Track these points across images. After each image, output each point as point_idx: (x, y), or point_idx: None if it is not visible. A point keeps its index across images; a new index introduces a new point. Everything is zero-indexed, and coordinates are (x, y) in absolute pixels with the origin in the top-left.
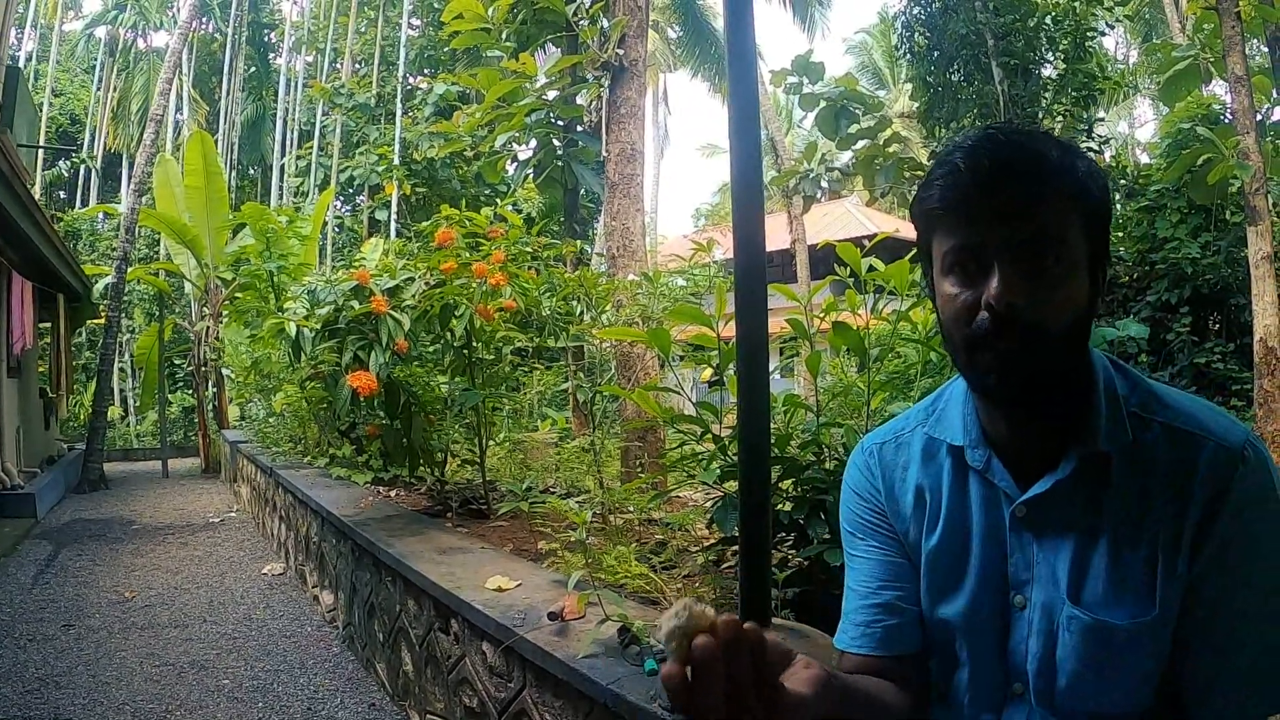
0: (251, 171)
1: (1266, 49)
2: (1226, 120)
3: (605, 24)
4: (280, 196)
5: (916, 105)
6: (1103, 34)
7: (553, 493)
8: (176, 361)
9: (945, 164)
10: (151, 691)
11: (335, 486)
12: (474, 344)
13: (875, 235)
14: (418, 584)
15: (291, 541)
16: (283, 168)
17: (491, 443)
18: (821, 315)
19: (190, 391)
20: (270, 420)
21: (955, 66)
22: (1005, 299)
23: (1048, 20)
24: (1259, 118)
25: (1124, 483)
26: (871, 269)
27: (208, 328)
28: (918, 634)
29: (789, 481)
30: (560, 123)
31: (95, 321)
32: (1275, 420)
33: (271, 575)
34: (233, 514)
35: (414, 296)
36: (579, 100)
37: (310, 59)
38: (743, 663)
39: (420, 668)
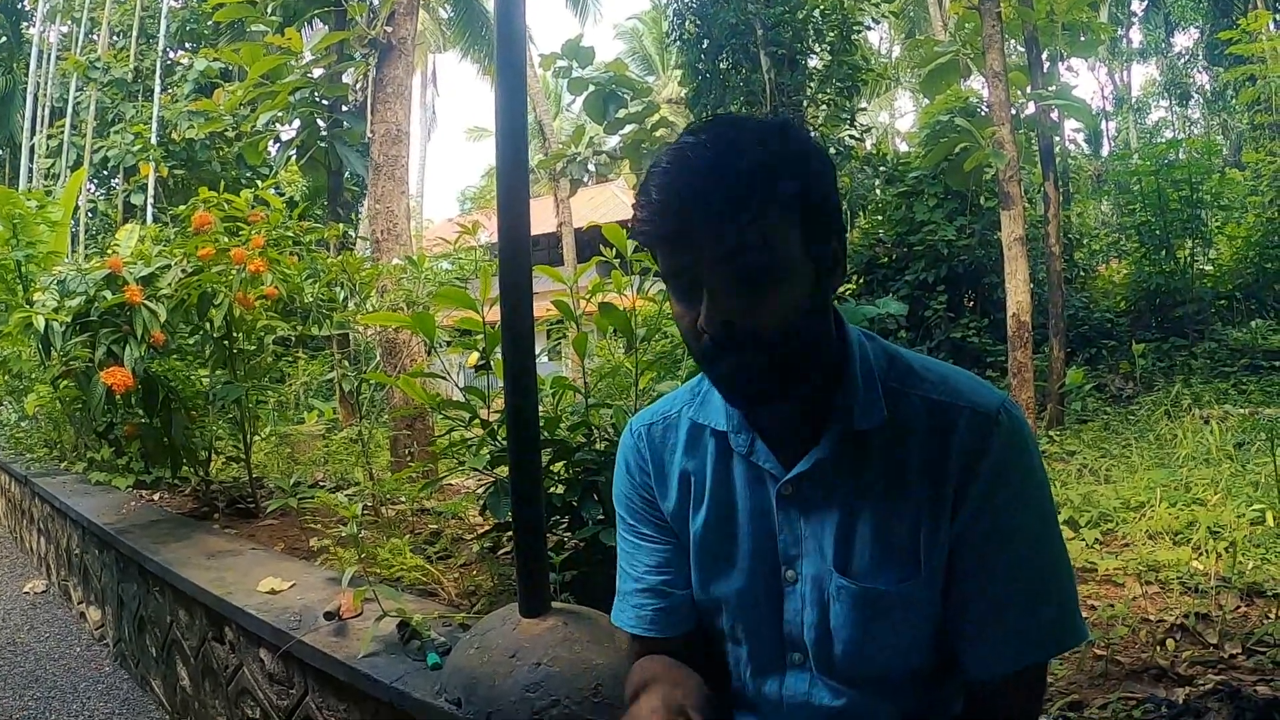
0: None
1: (1024, 48)
2: (983, 113)
3: (375, 0)
4: (30, 179)
5: (685, 92)
6: (868, 28)
7: (322, 486)
8: None
9: (645, 188)
10: None
11: (95, 493)
12: (234, 334)
13: None
14: (188, 592)
15: (52, 555)
16: (33, 147)
17: (257, 437)
18: (588, 297)
19: None
20: (23, 424)
21: (724, 55)
22: (713, 321)
23: (816, 13)
24: (1014, 111)
25: (884, 455)
26: (637, 250)
27: None
28: (692, 615)
29: (560, 464)
30: (325, 102)
31: None
32: (1028, 389)
33: (34, 593)
34: None
35: (171, 285)
36: (345, 79)
37: (66, 29)
38: None
39: (198, 681)
